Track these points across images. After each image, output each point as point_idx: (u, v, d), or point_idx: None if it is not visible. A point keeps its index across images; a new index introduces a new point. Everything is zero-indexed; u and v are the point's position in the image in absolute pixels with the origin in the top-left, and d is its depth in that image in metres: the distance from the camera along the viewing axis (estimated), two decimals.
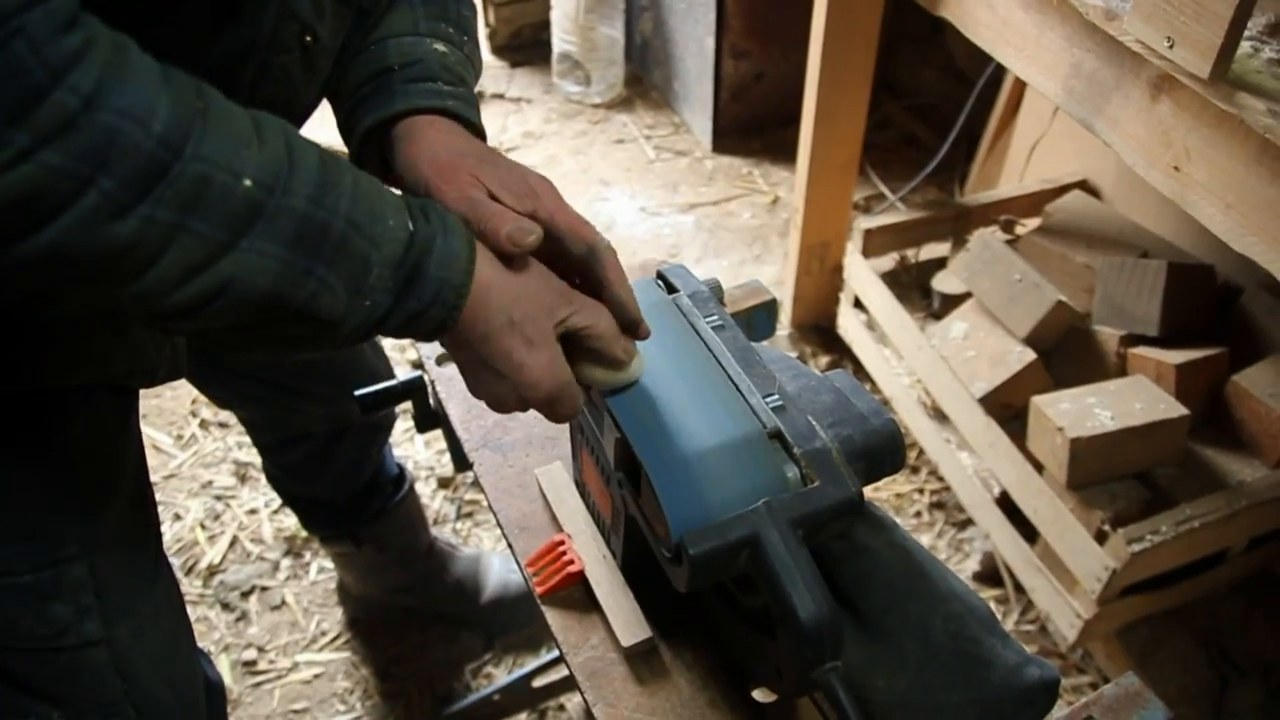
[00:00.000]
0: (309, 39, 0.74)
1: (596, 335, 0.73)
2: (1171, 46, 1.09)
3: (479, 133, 0.83)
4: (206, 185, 0.55)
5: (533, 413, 0.98)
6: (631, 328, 0.75)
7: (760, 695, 0.82)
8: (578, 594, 0.89)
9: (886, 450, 0.77)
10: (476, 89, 0.87)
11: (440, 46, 0.83)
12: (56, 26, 0.50)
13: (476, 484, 1.01)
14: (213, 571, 1.91)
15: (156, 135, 0.53)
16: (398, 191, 0.68)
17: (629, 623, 0.85)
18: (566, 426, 0.96)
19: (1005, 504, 1.79)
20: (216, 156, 0.55)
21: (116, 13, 0.55)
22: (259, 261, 0.58)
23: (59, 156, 0.50)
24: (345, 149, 0.85)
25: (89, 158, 0.51)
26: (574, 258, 0.74)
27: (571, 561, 0.89)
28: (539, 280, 0.72)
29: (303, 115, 0.82)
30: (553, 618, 0.88)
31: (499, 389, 0.73)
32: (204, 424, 2.17)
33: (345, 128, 0.84)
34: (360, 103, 0.81)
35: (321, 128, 0.88)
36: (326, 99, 0.87)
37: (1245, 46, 1.10)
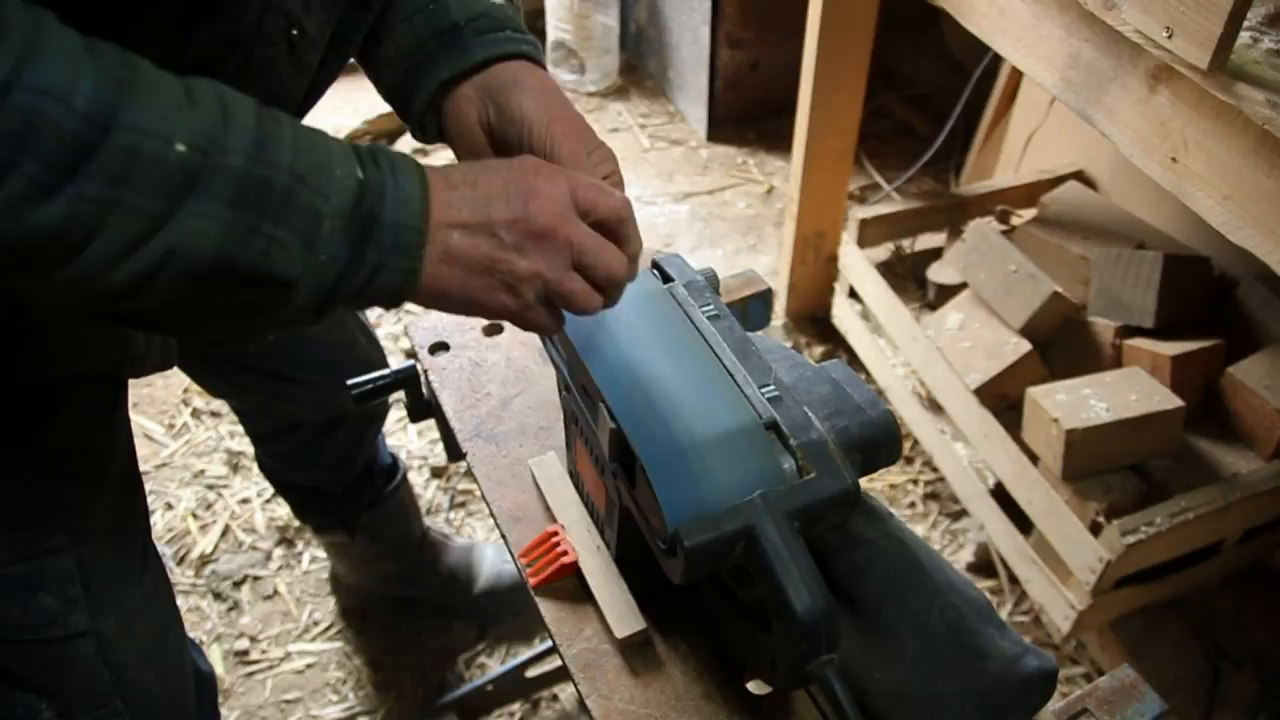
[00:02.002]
0: (295, 33, 0.73)
1: (608, 277, 0.70)
2: (1170, 37, 1.08)
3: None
4: (136, 155, 0.53)
5: (526, 404, 0.97)
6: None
7: (755, 687, 0.81)
8: (571, 585, 0.89)
9: (883, 442, 0.77)
10: None
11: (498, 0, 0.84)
12: None
13: (470, 474, 1.01)
14: (205, 561, 1.90)
15: (80, 112, 0.51)
16: (341, 139, 0.65)
17: (623, 614, 0.84)
18: (561, 418, 0.95)
19: (1000, 495, 1.79)
20: (145, 124, 0.54)
21: (91, 3, 0.54)
22: (200, 224, 0.56)
23: None
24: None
25: (9, 142, 0.50)
26: None
27: (565, 553, 0.88)
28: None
29: (291, 111, 0.81)
30: (546, 609, 0.88)
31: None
32: (196, 413, 2.16)
33: (400, 92, 0.83)
34: (425, 60, 0.81)
35: (333, 114, 0.87)
36: (364, 70, 0.86)
37: (1244, 37, 1.10)
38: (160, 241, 0.55)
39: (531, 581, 0.88)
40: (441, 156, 2.67)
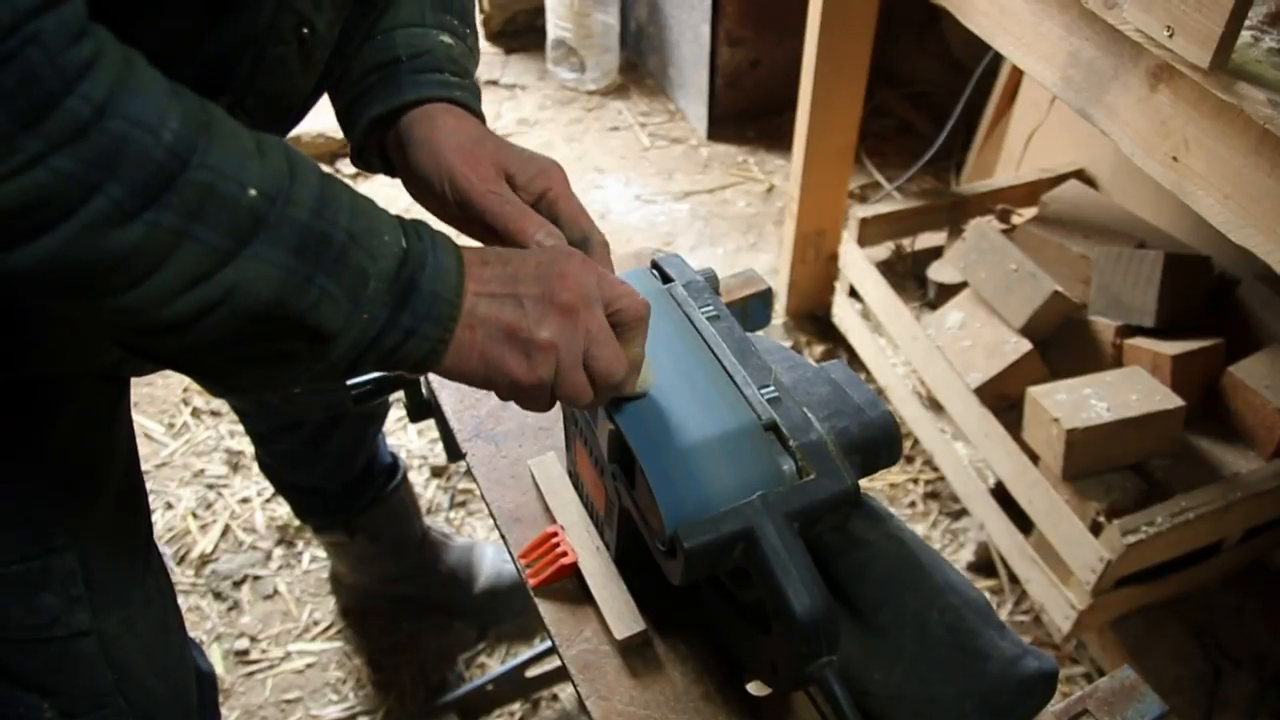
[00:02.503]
0: (306, 31, 0.74)
1: (604, 374, 0.71)
2: (1171, 35, 1.08)
3: (482, 122, 0.84)
4: (212, 193, 0.55)
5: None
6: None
7: (754, 689, 0.81)
8: (571, 586, 0.89)
9: (883, 442, 0.77)
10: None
11: (446, 39, 0.84)
12: (70, 35, 0.50)
13: (470, 473, 1.01)
14: (205, 561, 1.90)
15: (166, 144, 0.53)
16: (392, 211, 0.68)
17: (622, 615, 0.84)
18: (560, 417, 0.95)
19: (1000, 495, 1.78)
20: (222, 166, 0.56)
21: (113, 3, 0.55)
22: (263, 267, 0.58)
23: (70, 162, 0.51)
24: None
25: (100, 163, 0.51)
26: (568, 242, 0.76)
27: (565, 553, 0.88)
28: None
29: (300, 108, 0.81)
30: (546, 610, 0.88)
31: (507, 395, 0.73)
32: (196, 412, 2.16)
33: (346, 118, 0.84)
34: (365, 92, 0.82)
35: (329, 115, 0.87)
36: (325, 92, 0.86)
37: (1245, 36, 1.09)
38: (223, 278, 0.57)
39: (531, 582, 0.88)
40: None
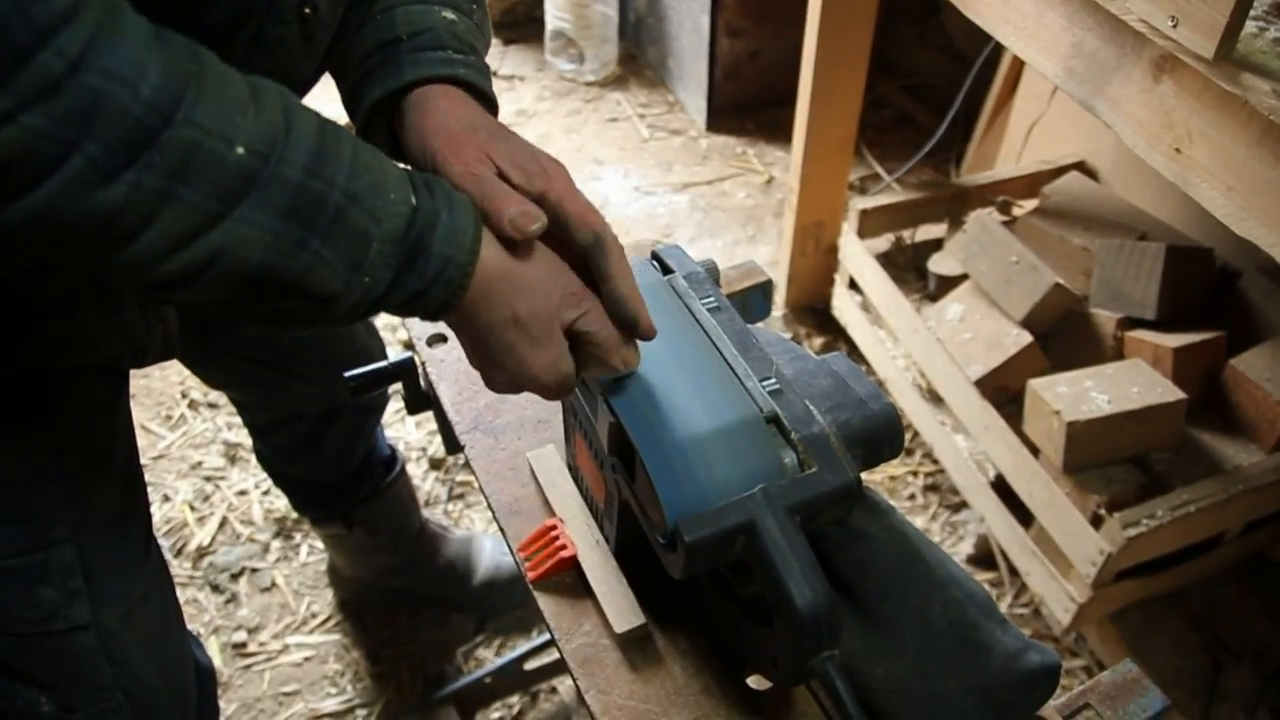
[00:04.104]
0: (308, 10, 0.72)
1: (597, 344, 0.71)
2: (1175, 26, 1.07)
3: (491, 103, 0.80)
4: (196, 152, 0.53)
5: (525, 397, 0.96)
6: (630, 326, 0.72)
7: (755, 683, 0.81)
8: (570, 579, 0.88)
9: (885, 435, 0.76)
10: None
11: (449, 14, 0.80)
12: None
13: (468, 466, 1.00)
14: (202, 553, 1.90)
15: (145, 99, 0.51)
16: (402, 164, 0.65)
17: (622, 609, 0.84)
18: (560, 409, 0.94)
19: (1000, 487, 1.78)
20: (208, 122, 0.54)
21: None
22: (249, 232, 0.56)
23: (41, 119, 0.49)
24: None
25: (73, 121, 0.50)
26: (578, 246, 0.71)
27: (564, 546, 0.87)
28: (548, 275, 0.70)
29: (301, 89, 0.80)
30: (545, 604, 0.87)
31: (498, 376, 0.72)
32: (193, 404, 2.15)
33: (351, 102, 0.81)
34: (366, 75, 0.79)
35: (331, 103, 0.86)
36: (330, 73, 0.84)
37: (1250, 26, 1.09)
38: (209, 241, 0.56)
39: (530, 576, 0.88)
40: None
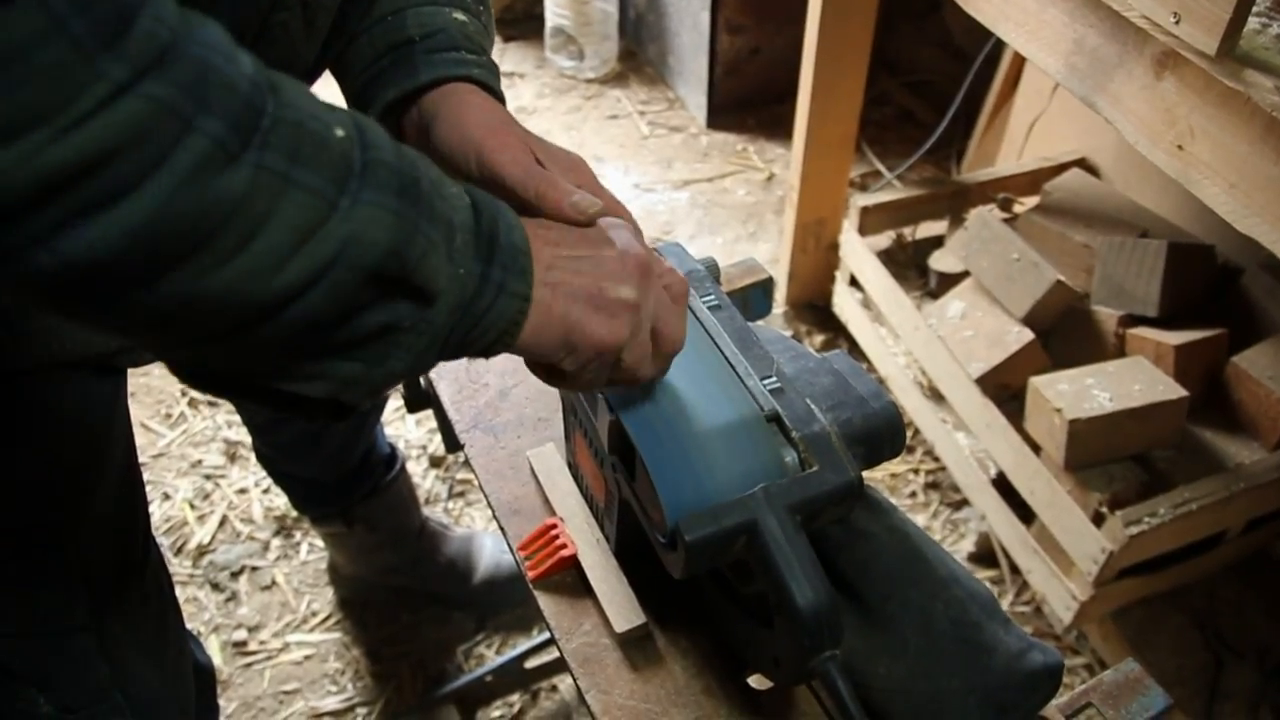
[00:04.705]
0: None
1: (671, 340, 0.69)
2: (1178, 22, 1.07)
3: (502, 102, 0.80)
4: (302, 130, 0.48)
5: (524, 395, 0.96)
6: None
7: (756, 683, 0.81)
8: (570, 579, 0.88)
9: (886, 434, 0.76)
10: None
11: (460, 15, 0.79)
12: None
13: (468, 464, 1.00)
14: (202, 552, 1.89)
15: (247, 75, 0.46)
16: None
17: (622, 608, 0.83)
18: (560, 407, 0.94)
19: (1001, 485, 1.78)
20: (302, 104, 0.49)
21: None
22: (374, 213, 0.51)
23: (163, 87, 0.42)
24: None
25: (192, 91, 0.43)
26: None
27: (564, 546, 0.87)
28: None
29: (302, 78, 0.79)
30: (545, 603, 0.87)
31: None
32: (193, 402, 2.15)
33: (358, 103, 0.80)
34: (377, 76, 0.77)
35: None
36: (333, 75, 0.83)
37: (1253, 22, 1.08)
38: (334, 230, 0.50)
39: (530, 575, 0.87)
40: None
